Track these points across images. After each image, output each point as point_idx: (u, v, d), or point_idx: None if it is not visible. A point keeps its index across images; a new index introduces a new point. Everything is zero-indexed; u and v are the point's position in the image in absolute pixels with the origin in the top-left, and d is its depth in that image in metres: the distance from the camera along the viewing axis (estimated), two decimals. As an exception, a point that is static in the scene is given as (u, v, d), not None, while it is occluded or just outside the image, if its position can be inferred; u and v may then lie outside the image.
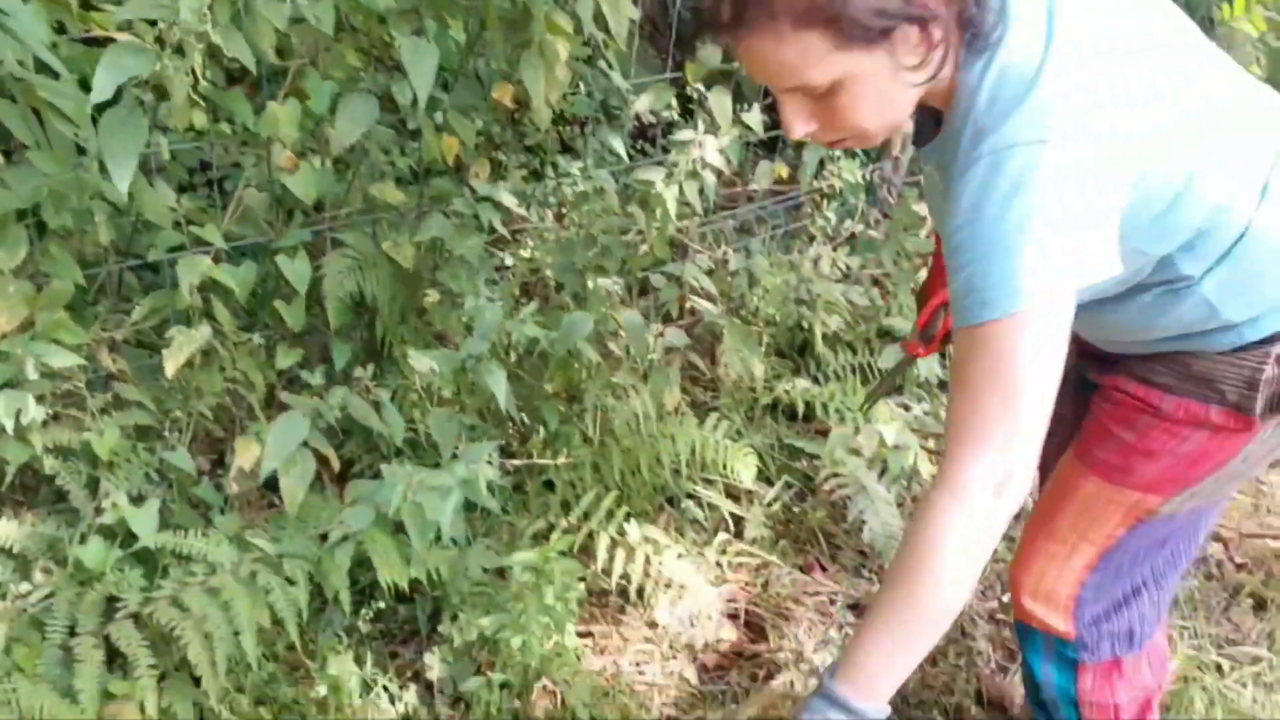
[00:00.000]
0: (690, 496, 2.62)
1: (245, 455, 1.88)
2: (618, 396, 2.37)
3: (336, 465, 2.12)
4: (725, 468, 2.54)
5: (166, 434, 1.99)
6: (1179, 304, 1.36)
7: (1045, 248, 1.16)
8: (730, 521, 2.61)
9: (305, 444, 1.90)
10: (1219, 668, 2.32)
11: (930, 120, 1.37)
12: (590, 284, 2.22)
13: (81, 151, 1.83)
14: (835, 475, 2.63)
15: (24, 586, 1.78)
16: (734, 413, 2.75)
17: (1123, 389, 1.49)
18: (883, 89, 1.22)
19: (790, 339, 2.97)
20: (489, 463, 1.92)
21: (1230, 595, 2.53)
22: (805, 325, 2.85)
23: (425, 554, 2.02)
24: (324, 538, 1.92)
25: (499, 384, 2.04)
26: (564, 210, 2.45)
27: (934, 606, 1.27)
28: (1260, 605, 2.53)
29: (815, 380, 2.92)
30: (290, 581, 1.87)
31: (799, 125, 1.27)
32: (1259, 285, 1.33)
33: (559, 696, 2.18)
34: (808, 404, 2.82)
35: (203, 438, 2.15)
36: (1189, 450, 1.45)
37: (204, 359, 2.03)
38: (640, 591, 2.38)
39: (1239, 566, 2.63)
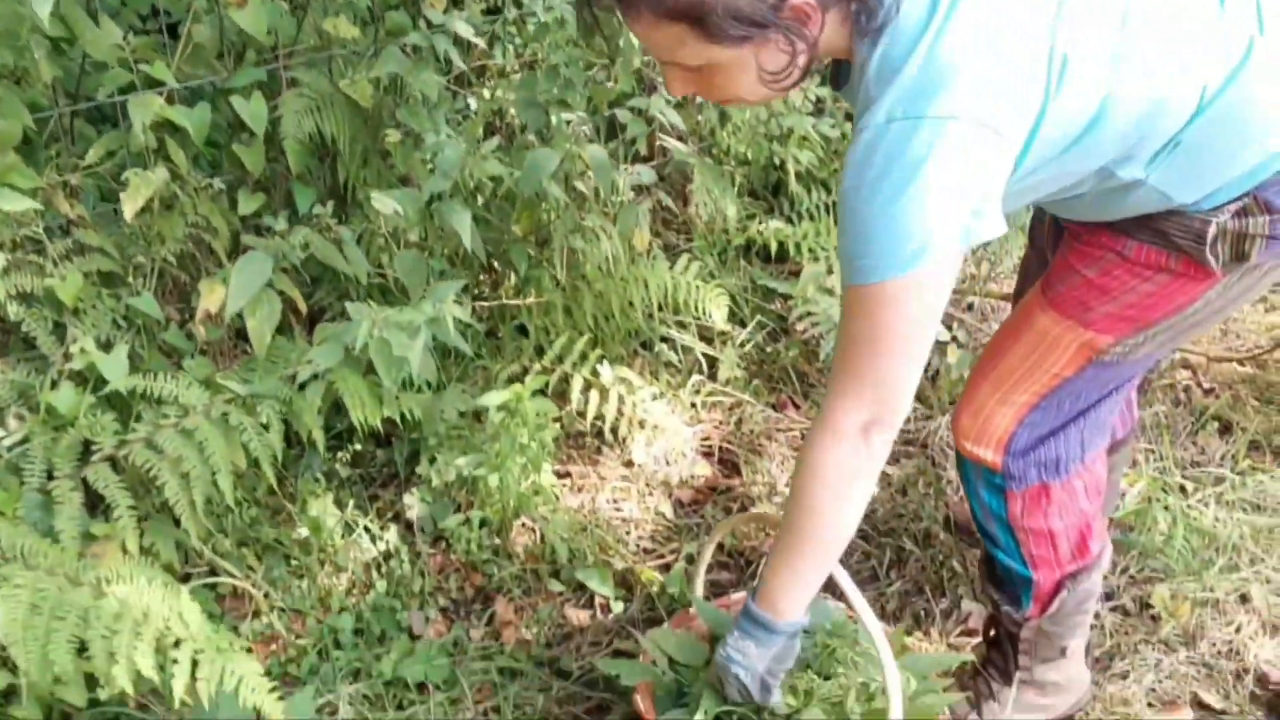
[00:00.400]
0: (664, 339, 2.63)
1: (210, 298, 1.87)
2: (587, 239, 2.34)
3: (304, 309, 2.11)
4: (698, 310, 2.54)
5: (130, 280, 1.97)
6: (1130, 196, 1.39)
7: (924, 219, 1.21)
8: (704, 363, 2.63)
9: (271, 285, 1.89)
10: (1183, 489, 2.37)
11: (846, 64, 1.38)
12: (554, 119, 2.17)
13: (17, -15, 1.77)
14: (808, 314, 2.63)
15: (-2, 433, 1.79)
16: (706, 254, 2.74)
17: (1090, 231, 1.51)
18: (752, 76, 1.28)
19: (763, 178, 2.94)
20: (457, 302, 1.91)
21: (1196, 419, 2.57)
22: (778, 163, 2.81)
23: (398, 395, 2.03)
24: (294, 379, 1.92)
25: (464, 224, 2.02)
26: (526, 48, 2.38)
27: (823, 534, 1.43)
28: (1226, 429, 2.57)
29: (788, 220, 2.90)
30: (264, 426, 1.88)
31: (678, 88, 1.35)
32: (1206, 172, 1.35)
33: (538, 532, 2.23)
34: (781, 244, 2.81)
35: (170, 287, 2.13)
36: (1149, 290, 1.46)
37: (165, 207, 2.00)
38: (616, 432, 2.41)
39: (1206, 391, 2.66)
